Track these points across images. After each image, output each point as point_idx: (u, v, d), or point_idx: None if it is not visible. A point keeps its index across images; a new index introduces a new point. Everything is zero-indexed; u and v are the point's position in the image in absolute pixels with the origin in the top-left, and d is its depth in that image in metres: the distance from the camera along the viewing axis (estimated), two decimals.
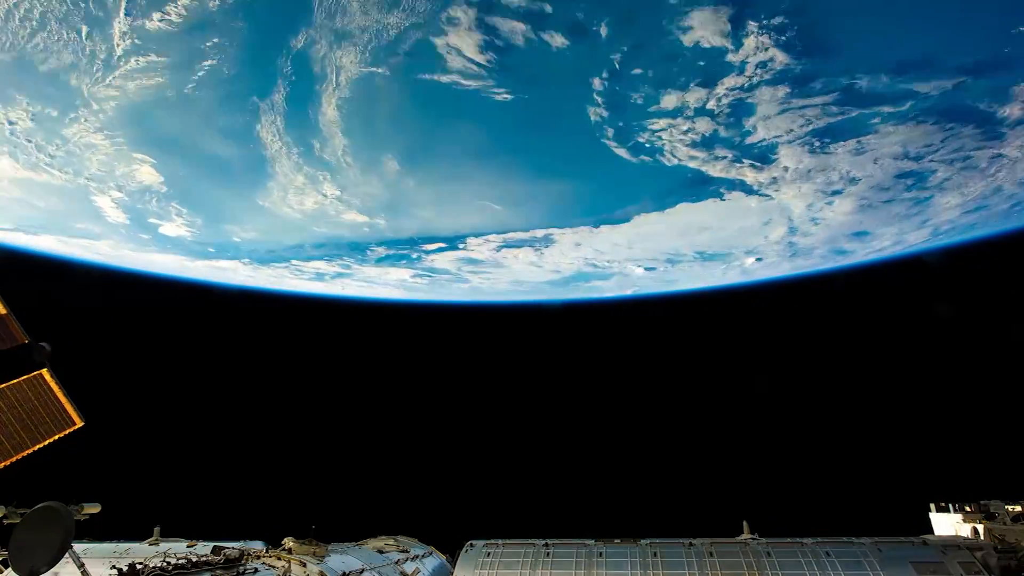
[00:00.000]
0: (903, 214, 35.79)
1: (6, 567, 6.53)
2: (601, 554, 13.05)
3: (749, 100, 28.98)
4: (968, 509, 14.53)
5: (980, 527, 13.85)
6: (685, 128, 30.86)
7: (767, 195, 35.16)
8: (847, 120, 29.57)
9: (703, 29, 26.11)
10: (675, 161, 32.97)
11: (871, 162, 31.84)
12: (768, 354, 44.80)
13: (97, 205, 34.62)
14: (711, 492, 36.53)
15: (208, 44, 26.64)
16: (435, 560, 17.10)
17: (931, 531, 15.02)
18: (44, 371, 7.77)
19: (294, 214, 38.10)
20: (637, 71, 28.55)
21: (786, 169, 32.89)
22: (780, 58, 26.65)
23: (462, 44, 27.25)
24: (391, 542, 16.45)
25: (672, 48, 27.26)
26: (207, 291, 44.85)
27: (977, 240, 37.04)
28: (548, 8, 25.58)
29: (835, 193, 34.38)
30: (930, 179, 32.59)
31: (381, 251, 43.39)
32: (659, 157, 32.84)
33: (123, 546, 13.04)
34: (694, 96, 29.12)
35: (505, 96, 29.97)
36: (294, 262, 44.03)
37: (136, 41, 25.80)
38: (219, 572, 9.11)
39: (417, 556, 16.24)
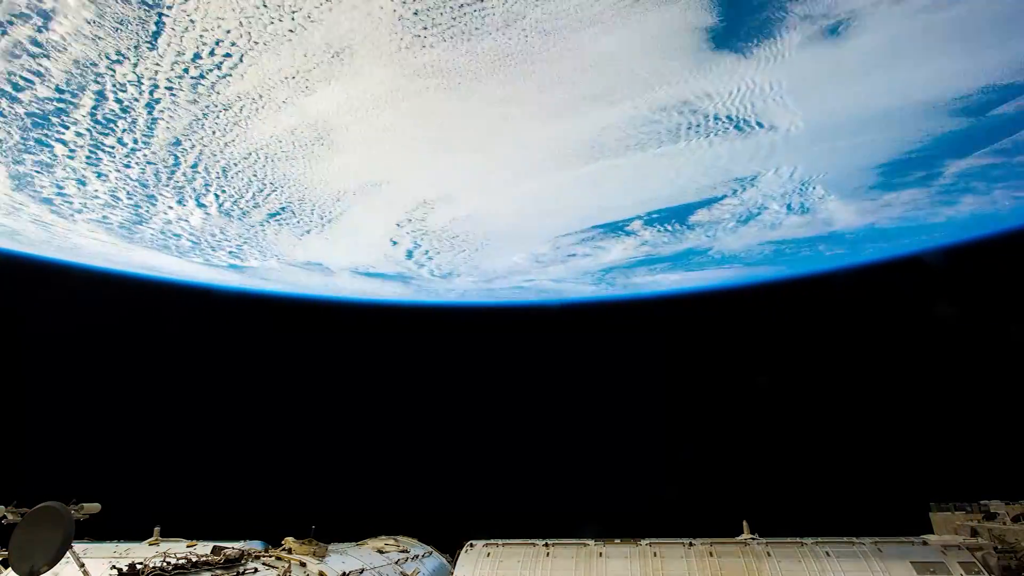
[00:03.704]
0: None
1: (6, 567, 6.53)
2: (601, 554, 13.05)
3: None
4: (968, 509, 14.54)
5: (980, 527, 13.85)
6: None
7: None
8: None
9: None
10: None
11: None
12: (768, 354, 44.79)
13: None
14: (711, 492, 36.53)
15: None
16: (435, 560, 17.10)
17: (931, 531, 15.02)
18: None
19: None
20: None
21: None
22: None
23: None
24: (391, 542, 16.45)
25: None
26: (205, 292, 44.87)
27: (977, 240, 37.07)
28: None
29: None
30: None
31: None
32: None
33: (123, 546, 13.03)
34: None
35: None
36: None
37: None
38: (219, 572, 9.11)
39: (417, 556, 16.24)
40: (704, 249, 42.58)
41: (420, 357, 50.92)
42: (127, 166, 29.99)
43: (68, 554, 6.54)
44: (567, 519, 35.58)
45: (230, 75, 26.17)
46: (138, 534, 13.62)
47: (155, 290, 43.08)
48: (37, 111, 25.84)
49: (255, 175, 31.97)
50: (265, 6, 23.73)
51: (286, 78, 26.76)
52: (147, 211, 33.32)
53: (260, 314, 48.52)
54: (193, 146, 29.59)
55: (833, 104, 29.72)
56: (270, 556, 11.12)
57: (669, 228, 39.52)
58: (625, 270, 46.28)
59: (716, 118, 30.11)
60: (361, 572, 12.37)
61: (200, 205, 33.71)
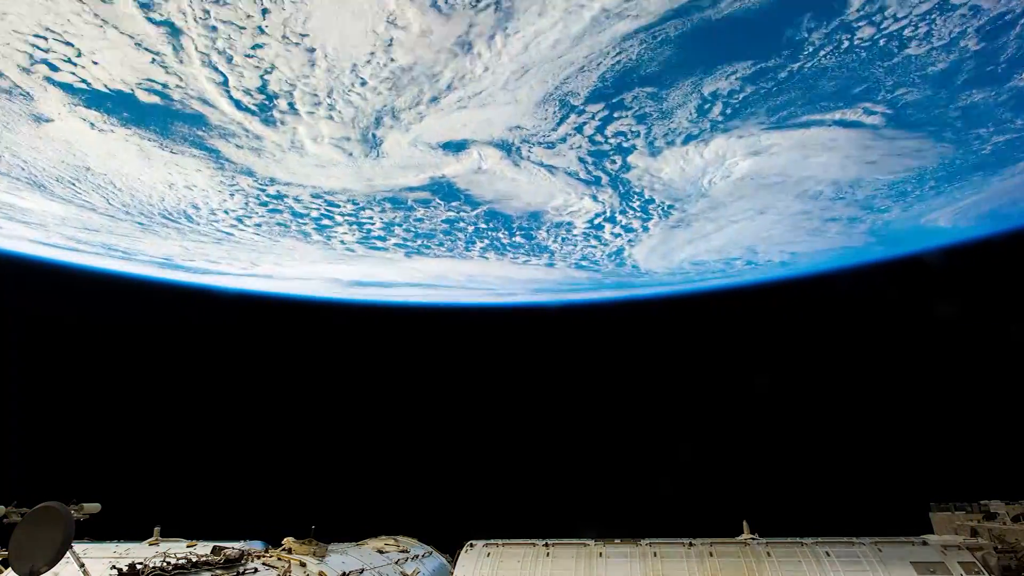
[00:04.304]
0: None
1: (6, 567, 6.53)
2: (601, 554, 13.05)
3: None
4: (968, 509, 14.54)
5: (980, 527, 13.85)
6: None
7: None
8: None
9: None
10: None
11: None
12: (768, 354, 44.85)
13: None
14: (711, 492, 36.57)
15: None
16: (435, 560, 17.11)
17: (931, 531, 15.02)
18: None
19: None
20: None
21: None
22: None
23: None
24: (391, 542, 16.45)
25: None
26: (203, 293, 44.90)
27: (977, 240, 37.07)
28: None
29: None
30: None
31: None
32: None
33: (123, 546, 13.03)
34: None
35: None
36: None
37: None
38: (219, 572, 9.12)
39: (417, 556, 16.25)
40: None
41: (419, 357, 51.00)
42: None
43: (68, 554, 6.54)
44: (567, 519, 35.67)
45: None
46: (138, 534, 13.63)
47: (154, 289, 43.14)
48: None
49: None
50: None
51: None
52: None
53: (259, 314, 48.58)
54: None
55: None
56: (270, 556, 11.12)
57: None
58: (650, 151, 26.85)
59: None
60: (361, 572, 12.37)
61: None
